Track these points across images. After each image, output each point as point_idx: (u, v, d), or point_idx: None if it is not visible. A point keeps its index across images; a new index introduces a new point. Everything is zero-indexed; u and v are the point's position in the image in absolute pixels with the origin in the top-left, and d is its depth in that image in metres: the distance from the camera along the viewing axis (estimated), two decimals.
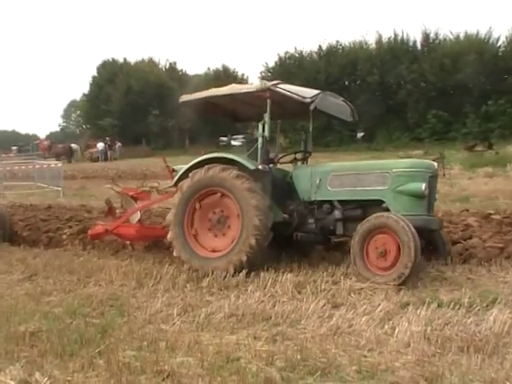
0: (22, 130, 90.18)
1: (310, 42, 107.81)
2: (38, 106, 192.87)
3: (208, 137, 61.17)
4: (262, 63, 68.44)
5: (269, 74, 59.77)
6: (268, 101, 8.80)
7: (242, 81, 66.97)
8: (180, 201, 8.99)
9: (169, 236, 9.09)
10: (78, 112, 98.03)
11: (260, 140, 8.95)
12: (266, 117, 8.84)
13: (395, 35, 56.38)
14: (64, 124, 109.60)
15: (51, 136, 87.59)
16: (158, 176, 26.28)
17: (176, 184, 9.36)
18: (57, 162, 32.15)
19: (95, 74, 78.30)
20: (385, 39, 56.99)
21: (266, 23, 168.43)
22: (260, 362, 5.07)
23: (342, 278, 7.85)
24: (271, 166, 9.25)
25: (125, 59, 78.53)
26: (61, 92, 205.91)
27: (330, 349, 5.39)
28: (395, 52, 54.92)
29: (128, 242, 10.86)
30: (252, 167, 8.67)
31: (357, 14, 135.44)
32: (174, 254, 8.96)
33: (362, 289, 7.43)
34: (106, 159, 55.00)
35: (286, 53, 60.68)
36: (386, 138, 49.68)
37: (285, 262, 8.82)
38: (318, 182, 8.77)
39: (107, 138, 59.94)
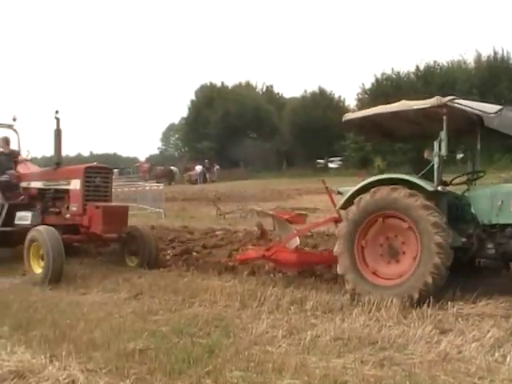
0: (123, 153, 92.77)
1: (406, 61, 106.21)
2: (137, 129, 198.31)
3: (305, 159, 61.26)
4: (358, 84, 67.96)
5: (365, 96, 59.36)
6: (444, 117, 8.32)
7: (339, 103, 66.81)
8: (347, 230, 8.52)
9: (339, 269, 8.57)
10: (177, 135, 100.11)
11: (436, 160, 8.49)
12: (443, 134, 8.37)
13: (495, 53, 54.80)
14: (163, 147, 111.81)
15: (151, 159, 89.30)
16: (257, 198, 26.61)
17: (343, 207, 8.96)
18: (158, 184, 32.78)
19: (193, 98, 79.87)
20: (484, 57, 55.56)
21: (362, 43, 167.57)
22: None
23: (448, 303, 7.67)
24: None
25: (222, 83, 79.81)
26: (160, 116, 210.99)
27: (439, 375, 5.28)
28: (495, 70, 53.43)
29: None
30: (430, 188, 8.21)
31: (455, 32, 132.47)
32: (348, 287, 8.42)
33: (469, 314, 7.26)
34: (204, 181, 55.78)
35: (383, 74, 59.93)
36: (487, 159, 48.25)
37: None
38: (499, 203, 8.11)
39: (206, 161, 60.91)
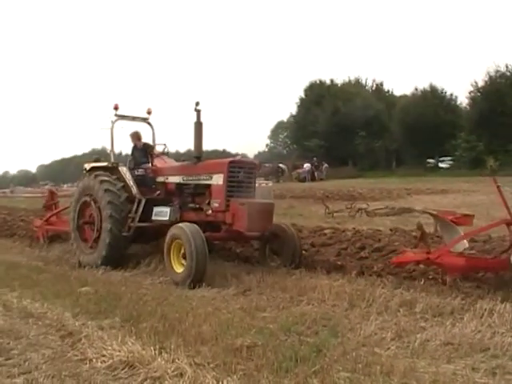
0: (233, 150, 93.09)
1: None
2: (247, 126, 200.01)
3: (415, 158, 60.17)
4: (471, 82, 65.34)
5: (478, 94, 57.53)
6: None
7: (451, 101, 65.15)
8: None
9: None
10: (285, 133, 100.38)
11: None
12: None
13: None
14: (271, 144, 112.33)
15: (259, 156, 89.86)
16: (366, 198, 26.31)
17: None
18: (267, 181, 32.92)
19: (302, 96, 79.97)
20: None
21: (475, 38, 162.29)
22: None
23: None
24: None
25: (332, 80, 79.63)
26: (268, 113, 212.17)
27: None
28: None
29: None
30: None
31: None
32: None
33: None
34: (312, 179, 55.68)
35: (497, 71, 57.68)
36: None
37: (502, 291, 8.21)
38: None
39: (314, 159, 60.86)
